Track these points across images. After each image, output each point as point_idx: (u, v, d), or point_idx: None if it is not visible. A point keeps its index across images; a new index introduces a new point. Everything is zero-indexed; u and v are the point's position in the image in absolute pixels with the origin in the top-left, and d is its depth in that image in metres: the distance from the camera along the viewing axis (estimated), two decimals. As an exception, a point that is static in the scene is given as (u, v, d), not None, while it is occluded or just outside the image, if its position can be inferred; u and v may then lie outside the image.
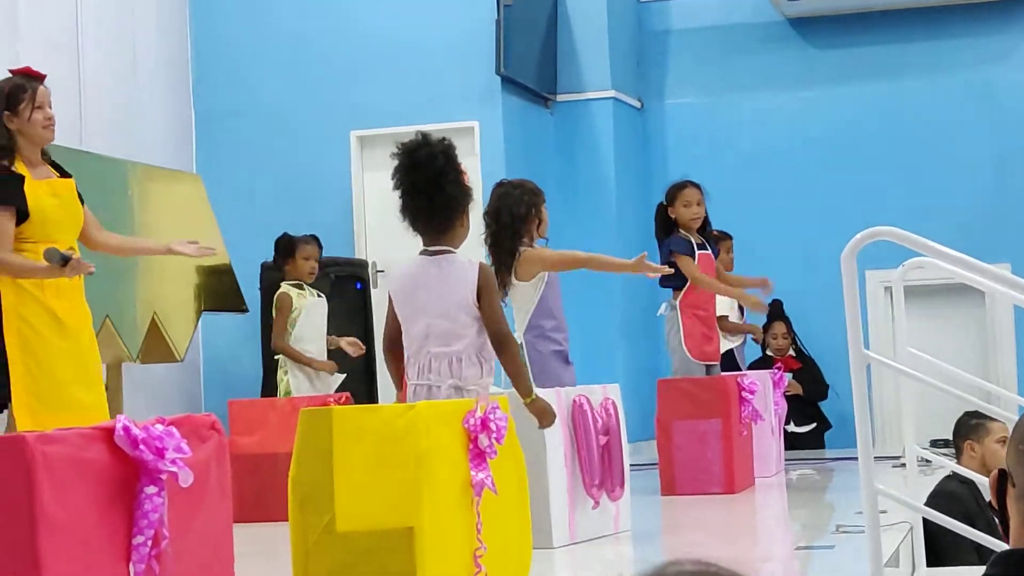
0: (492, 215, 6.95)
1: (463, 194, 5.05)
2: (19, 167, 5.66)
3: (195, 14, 11.75)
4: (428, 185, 4.97)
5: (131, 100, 10.84)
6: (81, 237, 5.89)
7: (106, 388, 9.21)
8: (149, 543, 3.10)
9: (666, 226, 8.76)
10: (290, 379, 8.75)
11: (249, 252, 10.32)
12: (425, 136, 5.07)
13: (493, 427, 4.67)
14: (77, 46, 10.21)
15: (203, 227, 10.16)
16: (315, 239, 9.11)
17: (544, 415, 5.38)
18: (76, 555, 2.95)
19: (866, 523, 4.63)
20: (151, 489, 3.10)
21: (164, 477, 3.13)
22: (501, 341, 5.07)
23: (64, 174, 5.85)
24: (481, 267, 5.06)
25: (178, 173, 10.46)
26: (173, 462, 3.13)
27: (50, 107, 5.70)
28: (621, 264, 7.27)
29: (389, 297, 5.15)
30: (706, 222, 8.79)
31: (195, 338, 11.05)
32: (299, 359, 8.82)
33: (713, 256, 8.90)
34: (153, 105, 11.11)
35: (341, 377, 8.86)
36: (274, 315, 8.94)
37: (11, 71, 5.77)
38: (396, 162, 5.04)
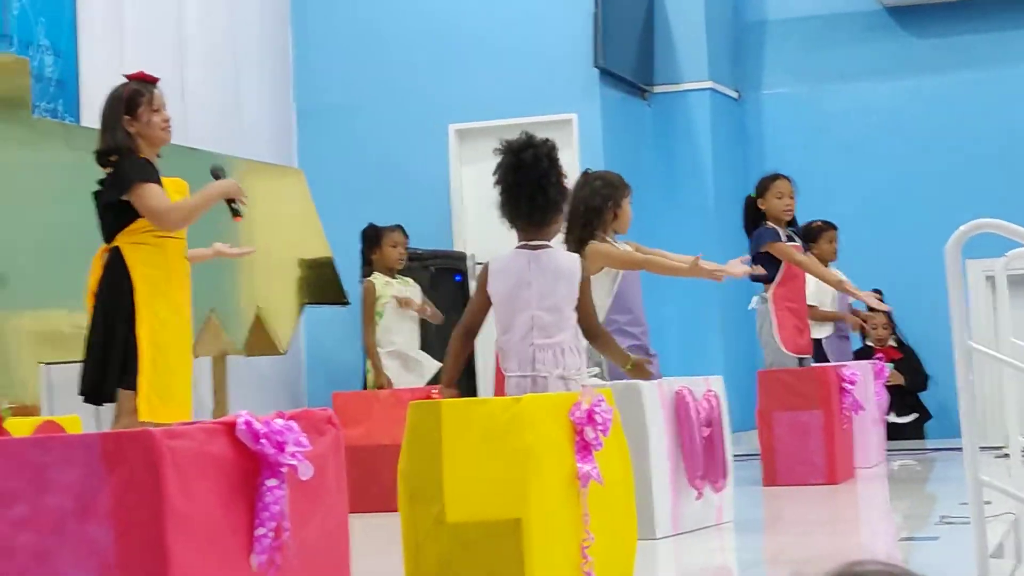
0: (569, 205, 6.98)
1: (562, 197, 5.14)
2: None
3: (296, 10, 11.89)
4: (531, 187, 5.03)
5: (233, 96, 11.00)
6: None
7: (211, 381, 9.44)
8: (271, 535, 3.19)
9: (755, 219, 8.77)
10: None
11: (350, 245, 10.42)
12: (530, 136, 5.11)
13: (599, 419, 4.72)
14: (180, 43, 10.37)
15: (305, 221, 10.30)
16: (400, 227, 9.21)
17: (642, 371, 5.54)
18: (202, 547, 3.03)
19: (971, 514, 4.63)
20: (272, 482, 3.18)
21: (285, 470, 3.21)
22: (596, 331, 5.25)
23: None
24: (581, 261, 5.18)
25: (281, 168, 10.61)
26: (293, 455, 3.21)
27: (166, 109, 5.86)
28: (677, 268, 7.18)
29: (482, 289, 5.17)
30: (792, 218, 8.83)
31: (297, 331, 11.20)
32: (375, 363, 8.91)
33: (803, 250, 8.92)
34: (255, 101, 11.27)
35: (437, 366, 8.93)
36: (363, 309, 9.03)
37: (126, 76, 5.93)
38: (500, 159, 5.09)
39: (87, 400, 5.81)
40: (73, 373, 8.48)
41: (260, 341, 9.64)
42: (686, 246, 11.40)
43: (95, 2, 9.48)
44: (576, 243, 6.86)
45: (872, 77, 12.47)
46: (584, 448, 4.73)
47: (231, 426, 3.17)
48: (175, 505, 2.97)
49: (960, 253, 4.72)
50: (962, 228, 4.73)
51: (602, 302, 6.83)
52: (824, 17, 12.59)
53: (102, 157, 5.78)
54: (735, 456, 10.26)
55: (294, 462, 3.21)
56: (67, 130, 8.51)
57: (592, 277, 6.74)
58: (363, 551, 6.97)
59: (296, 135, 11.85)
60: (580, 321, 5.11)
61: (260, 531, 3.17)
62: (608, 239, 6.94)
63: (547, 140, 5.10)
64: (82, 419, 6.01)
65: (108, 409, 5.90)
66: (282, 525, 3.21)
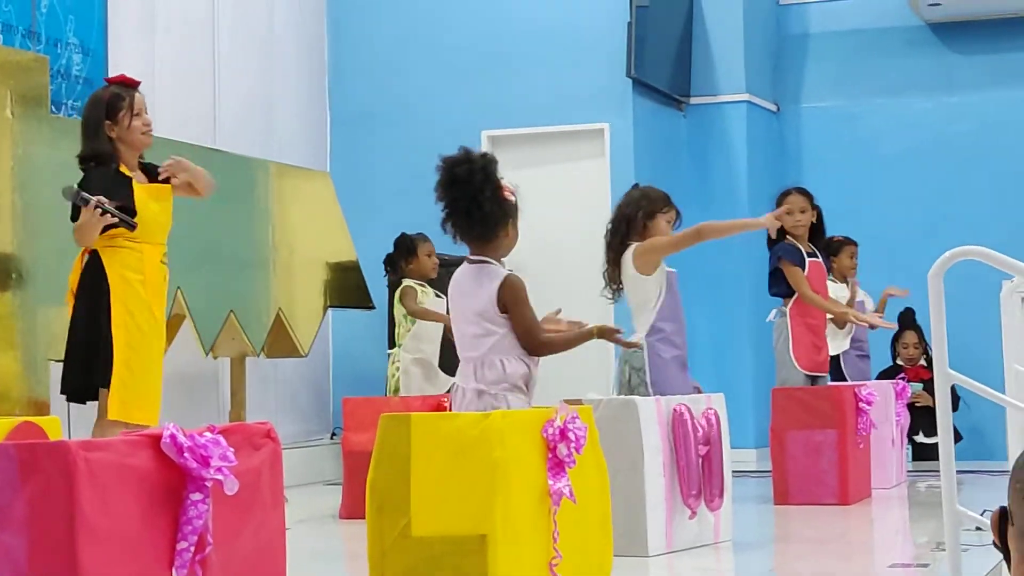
0: (612, 215, 7.07)
1: (501, 210, 5.15)
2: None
3: (332, 14, 11.93)
4: (466, 202, 5.09)
5: (267, 99, 11.04)
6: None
7: (229, 382, 9.46)
8: (192, 548, 3.18)
9: (777, 233, 8.66)
10: (401, 377, 8.83)
11: (382, 250, 10.43)
12: (467, 152, 5.18)
13: (572, 436, 4.69)
14: (213, 45, 10.41)
15: (331, 224, 10.31)
16: (427, 236, 9.23)
17: (607, 332, 5.46)
18: (116, 559, 3.03)
19: (947, 545, 4.57)
20: (196, 496, 3.18)
21: (209, 484, 3.20)
22: (537, 349, 5.17)
23: (155, 176, 6.01)
24: (505, 279, 5.14)
25: (307, 171, 10.63)
26: (219, 470, 3.20)
27: (147, 112, 5.88)
28: (741, 223, 7.29)
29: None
30: (819, 231, 8.72)
31: (325, 333, 11.21)
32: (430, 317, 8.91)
33: (824, 266, 8.84)
34: (289, 105, 11.30)
35: (451, 381, 8.91)
36: (406, 306, 9.00)
37: (106, 80, 5.97)
38: (438, 176, 5.14)
39: (70, 399, 5.85)
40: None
41: (282, 343, 9.65)
42: (719, 259, 11.39)
43: (126, 1, 9.51)
44: (614, 252, 6.92)
45: (913, 93, 12.36)
46: (557, 465, 4.70)
47: (156, 439, 3.17)
48: (89, 517, 2.97)
49: (942, 281, 4.66)
50: (946, 255, 4.67)
51: (649, 306, 6.88)
52: (866, 32, 12.48)
53: (83, 163, 5.82)
54: (759, 472, 10.23)
55: (219, 477, 3.20)
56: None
57: (645, 277, 6.81)
58: (342, 560, 6.98)
59: (330, 140, 11.88)
60: (519, 340, 5.12)
61: (182, 544, 3.17)
62: None
63: (485, 154, 5.19)
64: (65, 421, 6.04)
65: (84, 410, 5.94)
66: (205, 539, 3.21)
